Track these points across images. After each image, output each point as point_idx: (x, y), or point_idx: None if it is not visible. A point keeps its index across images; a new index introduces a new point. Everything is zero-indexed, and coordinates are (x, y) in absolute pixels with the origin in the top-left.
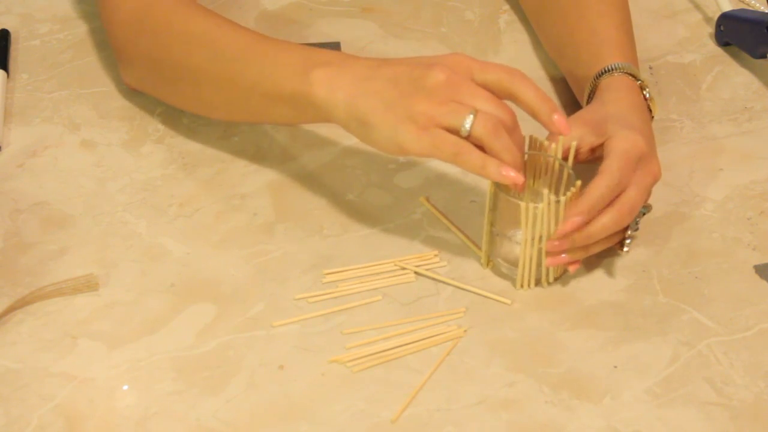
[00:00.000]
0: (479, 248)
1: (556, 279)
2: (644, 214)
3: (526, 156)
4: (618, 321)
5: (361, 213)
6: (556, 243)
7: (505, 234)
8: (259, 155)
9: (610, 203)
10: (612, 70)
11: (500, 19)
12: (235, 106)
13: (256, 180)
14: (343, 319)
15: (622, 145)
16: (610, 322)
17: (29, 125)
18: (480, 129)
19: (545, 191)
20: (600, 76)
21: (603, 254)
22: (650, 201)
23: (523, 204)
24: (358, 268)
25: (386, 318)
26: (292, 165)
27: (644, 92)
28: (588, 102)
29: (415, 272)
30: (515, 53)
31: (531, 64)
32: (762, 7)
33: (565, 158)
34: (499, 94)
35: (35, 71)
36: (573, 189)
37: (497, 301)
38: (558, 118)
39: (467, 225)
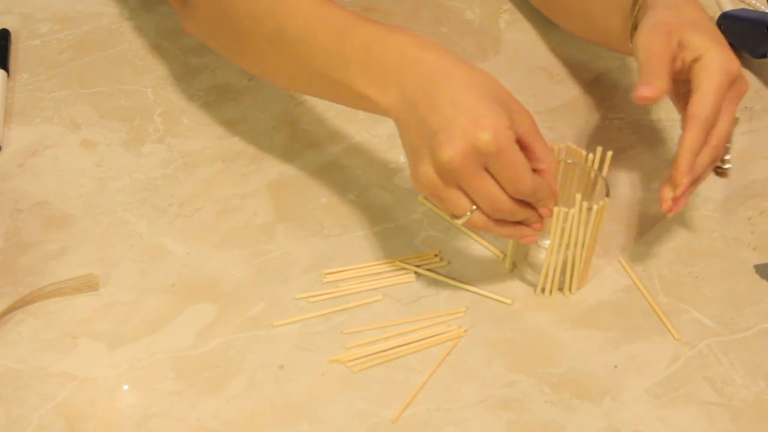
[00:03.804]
0: (493, 246)
1: (578, 289)
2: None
3: (561, 165)
4: (618, 321)
5: (361, 213)
6: (680, 200)
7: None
8: (259, 155)
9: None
10: None
11: (500, 19)
12: (302, 85)
13: (256, 180)
14: (343, 319)
15: (716, 73)
16: (610, 322)
17: (29, 125)
18: (475, 226)
19: (578, 196)
20: None
21: (602, 254)
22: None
23: (555, 208)
24: (358, 268)
25: (386, 318)
26: (292, 165)
27: None
28: (634, 28)
29: (416, 272)
30: (515, 53)
31: (531, 64)
32: (762, 7)
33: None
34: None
35: (35, 71)
36: (606, 198)
37: (497, 301)
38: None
39: None
